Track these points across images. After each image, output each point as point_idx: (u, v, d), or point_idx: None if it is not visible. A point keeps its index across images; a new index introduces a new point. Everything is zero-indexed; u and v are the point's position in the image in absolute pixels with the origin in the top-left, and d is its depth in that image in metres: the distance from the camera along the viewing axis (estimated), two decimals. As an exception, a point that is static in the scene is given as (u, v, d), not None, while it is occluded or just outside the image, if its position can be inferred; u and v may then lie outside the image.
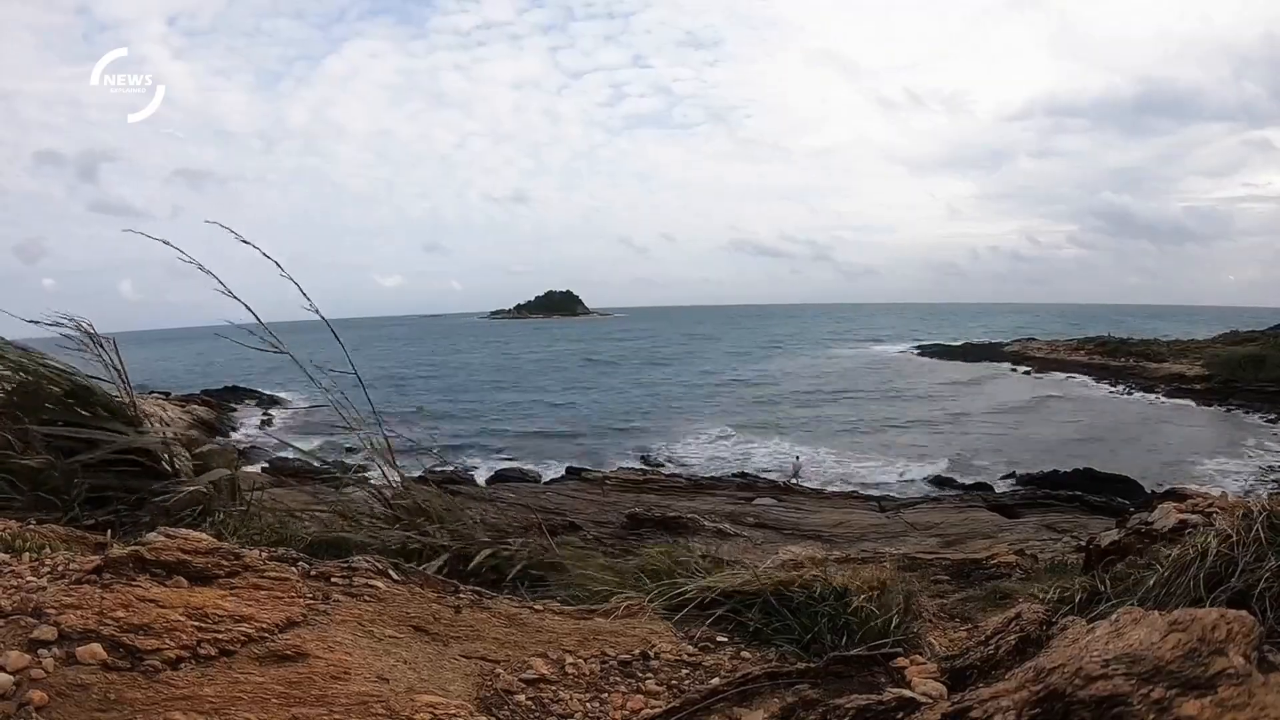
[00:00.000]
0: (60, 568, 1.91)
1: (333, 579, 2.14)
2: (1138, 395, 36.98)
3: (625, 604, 2.37)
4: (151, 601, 1.70)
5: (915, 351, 66.42)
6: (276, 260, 3.42)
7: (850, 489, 20.06)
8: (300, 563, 2.21)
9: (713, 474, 21.15)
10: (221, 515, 3.08)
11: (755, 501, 17.27)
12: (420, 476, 3.57)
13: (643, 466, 23.12)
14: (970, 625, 3.10)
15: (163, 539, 2.04)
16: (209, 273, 3.37)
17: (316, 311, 3.48)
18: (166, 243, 3.47)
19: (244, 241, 3.45)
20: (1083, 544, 5.42)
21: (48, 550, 2.15)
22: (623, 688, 1.92)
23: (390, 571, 2.27)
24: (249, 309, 3.37)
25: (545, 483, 20.40)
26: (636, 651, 2.09)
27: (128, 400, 3.52)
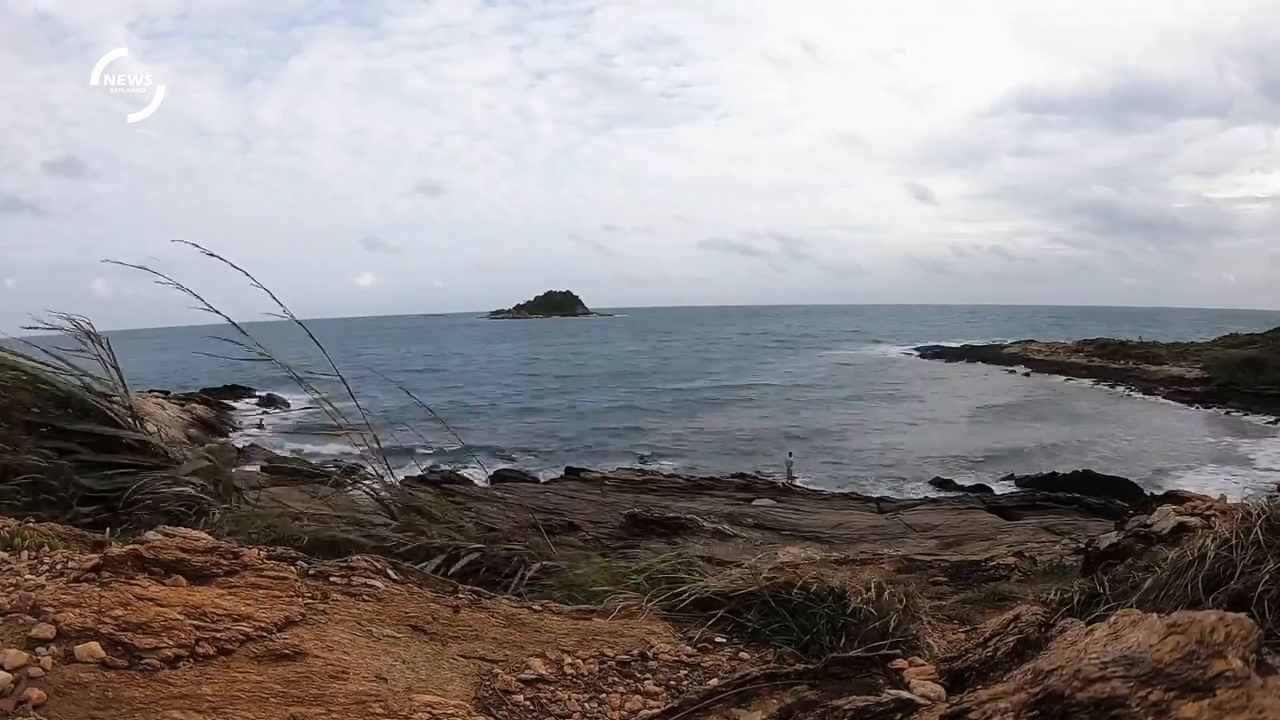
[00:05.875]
0: (59, 566, 1.91)
1: (331, 578, 2.14)
2: (1137, 397, 37.01)
3: (624, 604, 2.37)
4: (150, 600, 1.70)
5: (916, 353, 66.60)
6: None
7: (849, 490, 20.06)
8: (299, 562, 2.21)
9: (711, 474, 21.16)
10: (219, 514, 3.08)
11: (754, 502, 17.27)
12: (419, 476, 3.56)
13: (642, 466, 23.13)
14: (969, 627, 3.11)
15: (161, 538, 2.04)
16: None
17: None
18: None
19: (210, 255, 3.43)
20: (1081, 546, 5.42)
21: (46, 548, 2.15)
22: (621, 688, 1.92)
23: (389, 571, 2.27)
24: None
25: (545, 483, 20.40)
26: (635, 652, 2.09)
27: (124, 400, 3.51)
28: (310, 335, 3.46)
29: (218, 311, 3.35)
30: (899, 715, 1.44)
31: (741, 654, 2.18)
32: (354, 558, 2.31)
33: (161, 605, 1.69)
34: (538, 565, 2.88)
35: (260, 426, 31.21)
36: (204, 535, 2.12)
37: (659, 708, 1.79)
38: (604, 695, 1.87)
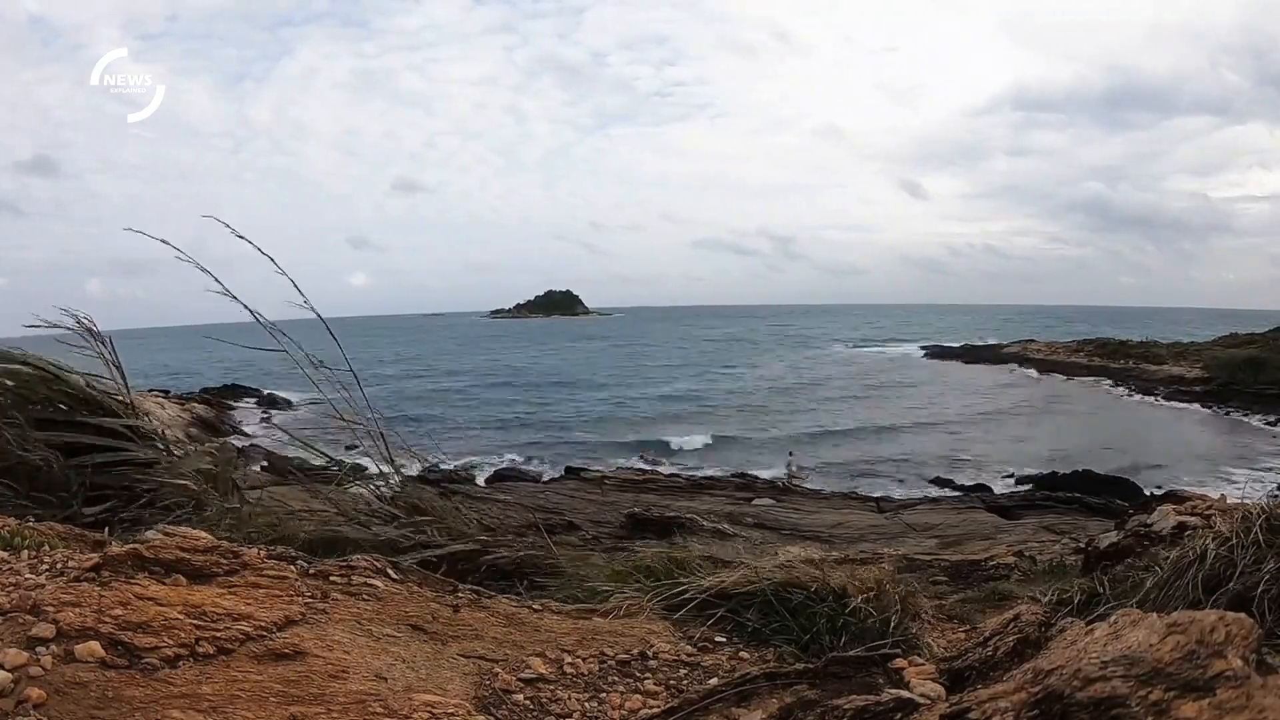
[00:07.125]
0: (59, 565, 1.91)
1: (331, 577, 2.14)
2: (1137, 397, 37.00)
3: (624, 604, 2.37)
4: (150, 599, 1.70)
5: (914, 353, 66.78)
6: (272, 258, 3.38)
7: (849, 490, 20.06)
8: (299, 561, 2.21)
9: (711, 474, 21.17)
10: (219, 513, 3.08)
11: (754, 502, 17.27)
12: (419, 476, 3.57)
13: (642, 466, 23.14)
14: (969, 626, 3.10)
15: (161, 537, 2.04)
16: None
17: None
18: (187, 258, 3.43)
19: (240, 237, 3.43)
20: (1081, 546, 5.42)
21: (46, 548, 2.15)
22: (621, 687, 1.92)
23: (389, 570, 2.27)
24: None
25: (545, 482, 20.40)
26: (635, 651, 2.09)
27: (125, 398, 3.51)
28: (329, 330, 3.48)
29: (244, 305, 3.34)
30: (899, 715, 1.44)
31: (741, 653, 2.18)
32: (354, 557, 2.31)
33: (161, 605, 1.69)
34: (538, 565, 2.88)
35: (261, 426, 31.19)
36: (204, 534, 2.12)
37: (659, 707, 1.79)
38: (604, 695, 1.87)
